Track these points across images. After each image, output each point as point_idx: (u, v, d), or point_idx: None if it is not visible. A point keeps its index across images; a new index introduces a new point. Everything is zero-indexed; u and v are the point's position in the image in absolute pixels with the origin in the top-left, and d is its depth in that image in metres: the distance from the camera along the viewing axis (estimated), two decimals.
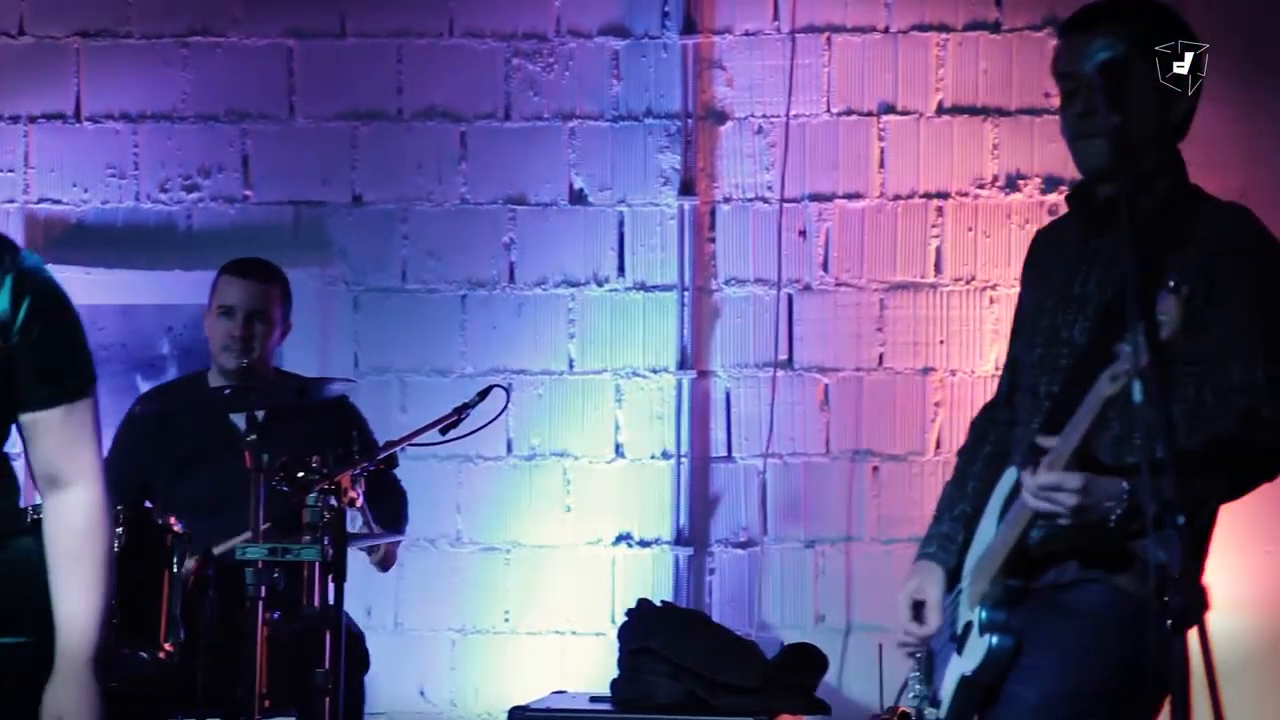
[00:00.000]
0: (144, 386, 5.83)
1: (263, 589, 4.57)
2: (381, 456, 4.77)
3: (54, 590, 3.15)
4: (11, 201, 6.12)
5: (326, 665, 4.53)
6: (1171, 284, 2.85)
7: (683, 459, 5.96)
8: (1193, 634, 2.52)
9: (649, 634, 5.24)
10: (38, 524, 3.22)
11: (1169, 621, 2.49)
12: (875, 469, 5.92)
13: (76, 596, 3.14)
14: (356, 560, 4.87)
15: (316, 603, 4.60)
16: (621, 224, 6.05)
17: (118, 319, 6.01)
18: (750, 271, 6.00)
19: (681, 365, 5.99)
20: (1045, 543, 3.31)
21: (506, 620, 5.98)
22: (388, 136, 6.10)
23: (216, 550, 4.78)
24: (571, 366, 6.03)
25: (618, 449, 6.00)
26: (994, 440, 3.67)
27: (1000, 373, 3.76)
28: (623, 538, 5.98)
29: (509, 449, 6.00)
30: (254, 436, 4.74)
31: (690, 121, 6.02)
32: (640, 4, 6.06)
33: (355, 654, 5.05)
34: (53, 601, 3.14)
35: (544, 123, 6.07)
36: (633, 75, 6.06)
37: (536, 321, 6.04)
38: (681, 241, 6.01)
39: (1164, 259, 3.27)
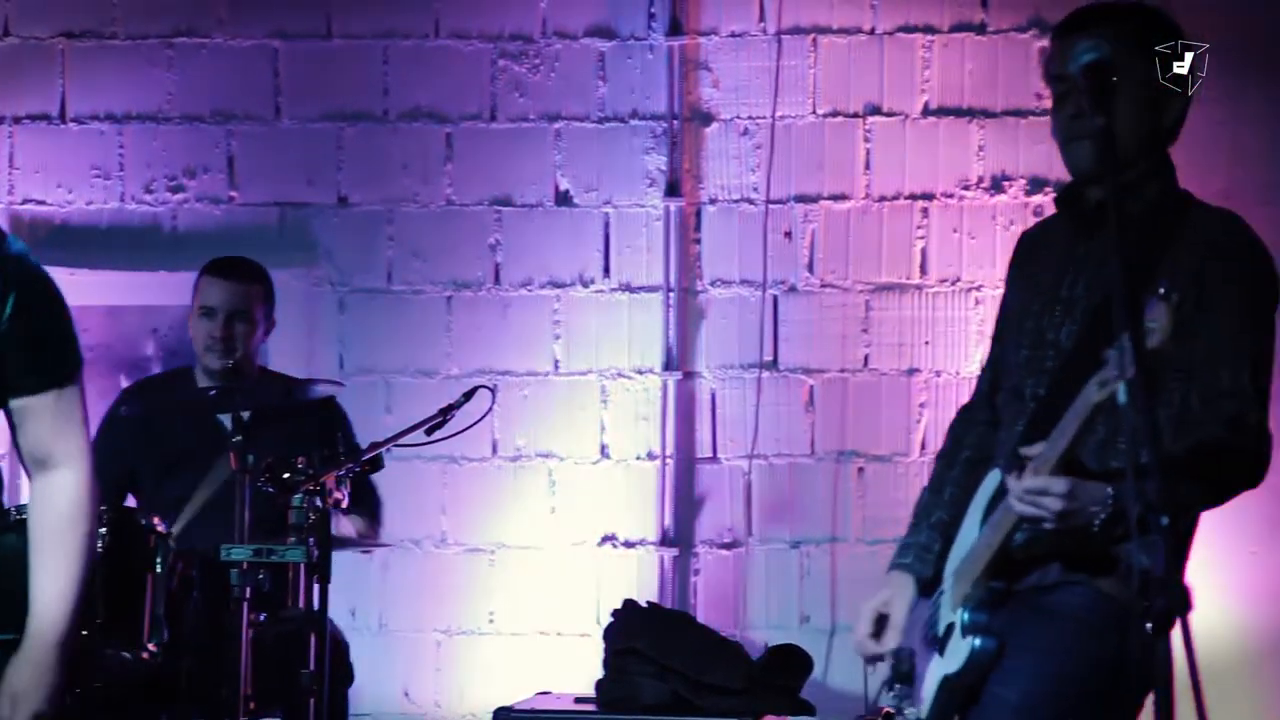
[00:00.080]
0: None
1: (248, 590, 4.57)
2: (367, 457, 4.76)
3: (32, 569, 3.15)
4: None
5: (312, 667, 4.53)
6: (1162, 291, 2.85)
7: (668, 460, 5.97)
8: (1176, 635, 2.52)
9: (634, 635, 5.24)
10: (21, 523, 3.22)
11: (1148, 624, 2.49)
12: (860, 470, 5.93)
13: (53, 578, 3.15)
14: (341, 561, 4.86)
15: (301, 604, 4.60)
16: (607, 225, 6.05)
17: (103, 320, 6.01)
18: (736, 273, 6.00)
19: (667, 366, 6.00)
20: (1028, 545, 3.31)
21: (491, 621, 5.98)
22: (373, 137, 6.09)
23: (176, 528, 4.77)
24: (557, 367, 6.03)
25: (603, 450, 6.00)
26: (971, 444, 3.67)
27: (980, 372, 3.76)
28: (608, 538, 5.98)
29: (494, 450, 6.00)
30: (239, 437, 4.74)
31: (676, 123, 6.02)
32: (626, 5, 6.06)
33: (339, 665, 5.04)
34: (30, 581, 3.14)
35: (530, 124, 6.07)
36: (619, 76, 6.06)
37: (522, 323, 6.04)
38: (667, 243, 6.01)
39: (1153, 263, 3.28)
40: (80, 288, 5.88)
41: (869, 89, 5.99)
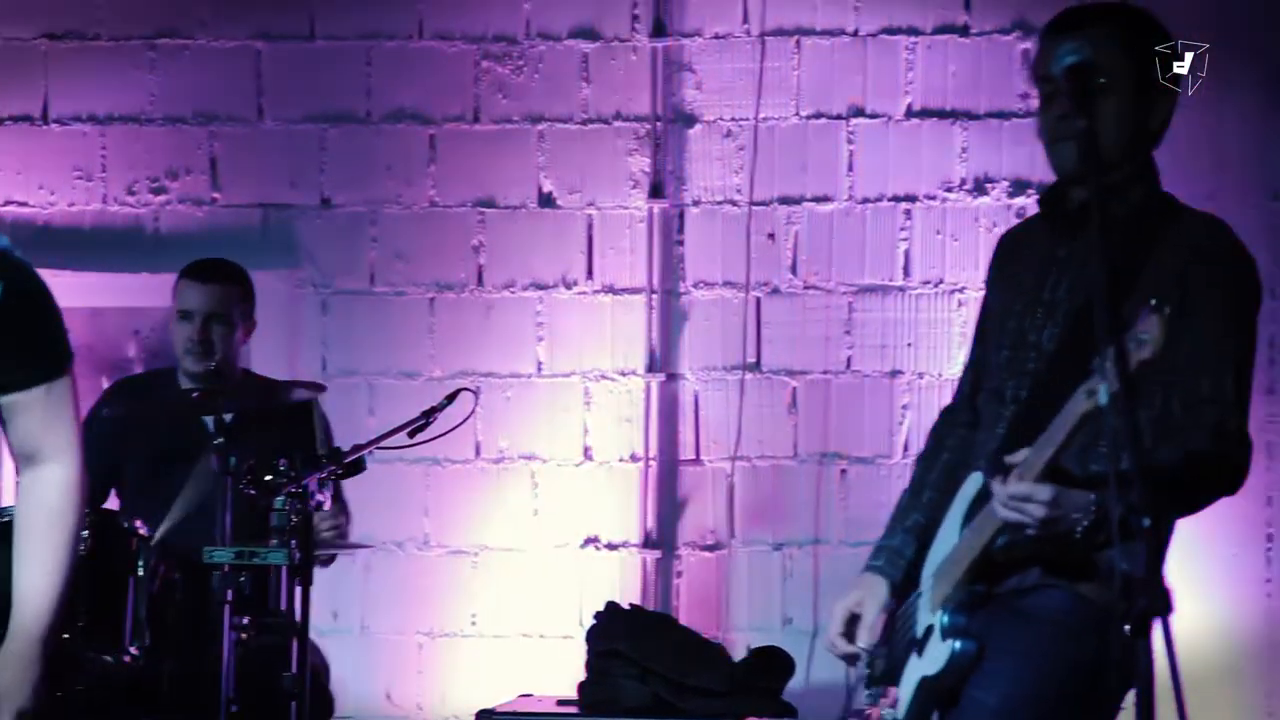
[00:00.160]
0: None
1: (229, 593, 4.56)
2: (349, 460, 4.76)
3: (16, 563, 3.14)
4: None
5: (294, 670, 4.52)
6: (1154, 303, 2.83)
7: (651, 462, 5.97)
8: (1158, 637, 2.52)
9: (616, 637, 5.24)
10: (6, 525, 3.21)
11: (1126, 626, 2.49)
12: (843, 472, 5.93)
13: (39, 572, 3.14)
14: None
15: (284, 606, 4.59)
16: (590, 227, 6.05)
17: (85, 321, 5.99)
18: (719, 274, 6.00)
19: (650, 368, 6.00)
20: (1009, 549, 3.31)
21: (474, 623, 5.98)
22: (356, 139, 6.09)
23: (159, 531, 4.76)
24: (540, 369, 6.03)
25: (586, 452, 6.00)
26: (952, 447, 3.67)
27: (962, 373, 3.76)
28: (590, 541, 5.98)
29: (477, 452, 5.99)
30: (221, 439, 4.73)
31: (659, 124, 6.02)
32: (610, 7, 6.06)
33: (319, 693, 5.00)
34: (13, 574, 3.13)
35: (513, 125, 6.07)
36: (602, 78, 6.06)
37: (505, 324, 6.03)
38: (650, 244, 6.01)
39: (1136, 267, 3.28)
40: (62, 289, 5.78)
41: (852, 90, 5.99)
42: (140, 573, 4.62)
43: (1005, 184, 5.93)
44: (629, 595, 5.79)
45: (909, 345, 5.94)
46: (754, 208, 5.98)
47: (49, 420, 3.17)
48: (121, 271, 6.06)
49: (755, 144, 5.98)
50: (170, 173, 6.10)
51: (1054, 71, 3.01)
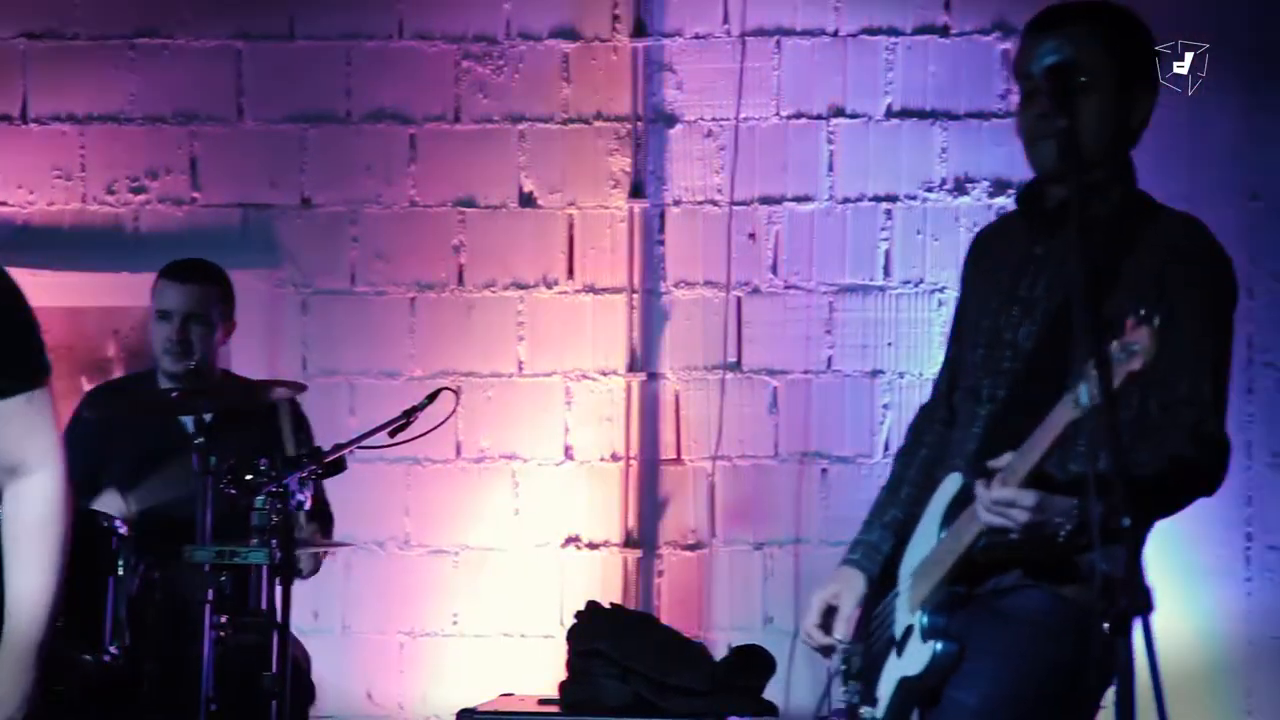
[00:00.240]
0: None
1: (210, 592, 4.55)
2: (330, 459, 4.76)
3: (8, 572, 3.14)
4: None
5: (274, 670, 4.52)
6: (1143, 313, 2.80)
7: (632, 461, 5.97)
8: (1138, 638, 2.52)
9: (597, 636, 5.24)
10: None
11: (1105, 625, 2.50)
12: (824, 471, 5.93)
13: (31, 580, 3.14)
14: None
15: (264, 605, 4.59)
16: (571, 226, 6.05)
17: (64, 321, 5.98)
18: (699, 274, 6.00)
19: (631, 368, 6.00)
20: (989, 550, 3.30)
21: (455, 623, 5.97)
22: (337, 139, 6.08)
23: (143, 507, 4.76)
24: (521, 369, 6.02)
25: (567, 451, 6.00)
26: (929, 444, 3.67)
27: (939, 370, 3.76)
28: (572, 540, 5.98)
29: (458, 452, 5.99)
30: (201, 439, 4.73)
31: (640, 124, 6.02)
32: (590, 7, 6.06)
33: (301, 682, 5.01)
34: (5, 583, 3.13)
35: (494, 125, 6.06)
36: (583, 78, 6.05)
37: (486, 324, 6.03)
38: (631, 244, 6.01)
39: (1115, 266, 3.28)
40: (42, 289, 5.83)
41: (832, 91, 6.00)
42: (120, 572, 4.62)
43: (985, 184, 5.94)
44: (610, 594, 5.79)
45: (889, 345, 5.95)
46: (735, 207, 5.98)
47: (31, 430, 3.17)
48: (101, 271, 6.05)
49: (736, 144, 5.98)
50: (150, 172, 6.09)
51: (1035, 70, 3.02)
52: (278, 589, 4.52)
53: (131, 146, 6.09)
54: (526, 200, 6.05)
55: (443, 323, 6.04)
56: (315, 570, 5.16)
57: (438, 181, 6.06)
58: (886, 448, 5.86)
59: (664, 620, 5.65)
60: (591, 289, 6.03)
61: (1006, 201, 5.79)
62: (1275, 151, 5.83)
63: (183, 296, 5.26)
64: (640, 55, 6.03)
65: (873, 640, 3.55)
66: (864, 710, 3.50)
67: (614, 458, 5.98)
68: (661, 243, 6.02)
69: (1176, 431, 3.24)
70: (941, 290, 5.90)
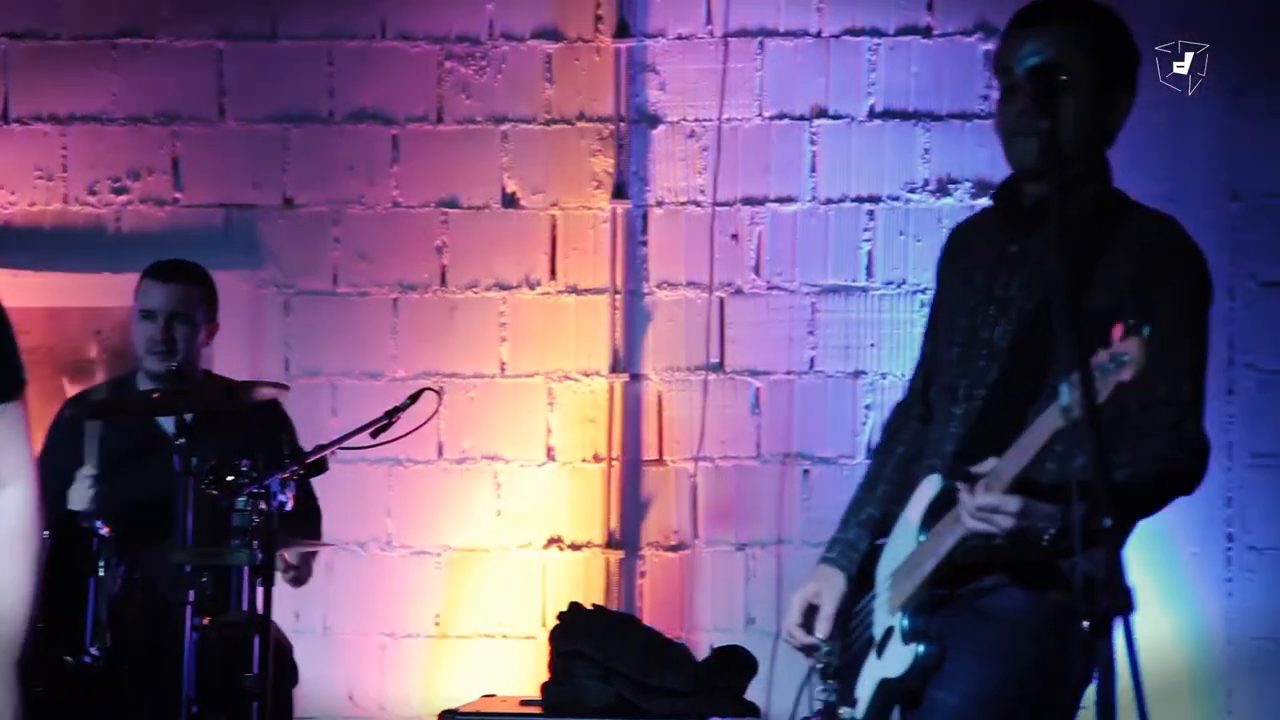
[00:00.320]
0: (71, 390, 5.79)
1: (191, 594, 4.55)
2: (312, 460, 4.75)
3: None
4: None
5: (255, 670, 4.51)
6: (1131, 323, 2.78)
7: (614, 462, 5.97)
8: (1119, 638, 2.52)
9: (580, 637, 5.24)
10: None
11: (1085, 624, 2.50)
12: (806, 472, 5.93)
13: (8, 596, 3.12)
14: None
15: (245, 607, 4.59)
16: (554, 227, 6.04)
17: (45, 322, 5.97)
18: (682, 275, 6.00)
19: (613, 368, 5.99)
20: (970, 552, 3.30)
21: (437, 624, 5.97)
22: (319, 139, 6.07)
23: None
24: (503, 370, 6.02)
25: (549, 452, 5.99)
26: (905, 441, 3.66)
27: (914, 367, 3.75)
28: (554, 541, 5.97)
29: (440, 452, 5.99)
30: (183, 440, 4.72)
31: (623, 125, 6.02)
32: (573, 7, 6.06)
33: (283, 666, 5.02)
34: None
35: (476, 126, 6.06)
36: (565, 78, 6.05)
37: (468, 325, 6.03)
38: (614, 245, 6.01)
39: (1090, 264, 3.28)
40: (23, 289, 5.89)
41: (815, 92, 6.00)
42: (101, 574, 4.61)
43: (968, 185, 5.94)
44: (592, 595, 5.79)
45: (872, 346, 5.95)
46: (717, 208, 5.98)
47: (5, 444, 3.15)
48: (82, 271, 6.04)
49: (719, 145, 5.98)
50: (132, 172, 6.08)
51: (1017, 71, 3.02)
52: (259, 589, 4.52)
53: (113, 146, 6.08)
54: (509, 201, 6.05)
55: (425, 323, 6.03)
56: (305, 578, 5.15)
57: (420, 182, 6.06)
58: (869, 449, 5.86)
59: (646, 621, 5.66)
60: (574, 290, 6.02)
61: (989, 203, 5.79)
62: (1256, 152, 5.84)
63: (167, 296, 5.26)
64: (623, 56, 6.03)
65: (851, 640, 3.54)
66: (843, 710, 3.50)
67: (596, 459, 5.98)
68: (644, 243, 6.02)
69: (1156, 432, 3.23)
70: (924, 291, 5.90)
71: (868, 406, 5.92)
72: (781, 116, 6.01)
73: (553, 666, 5.28)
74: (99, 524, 4.70)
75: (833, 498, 5.80)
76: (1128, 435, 3.24)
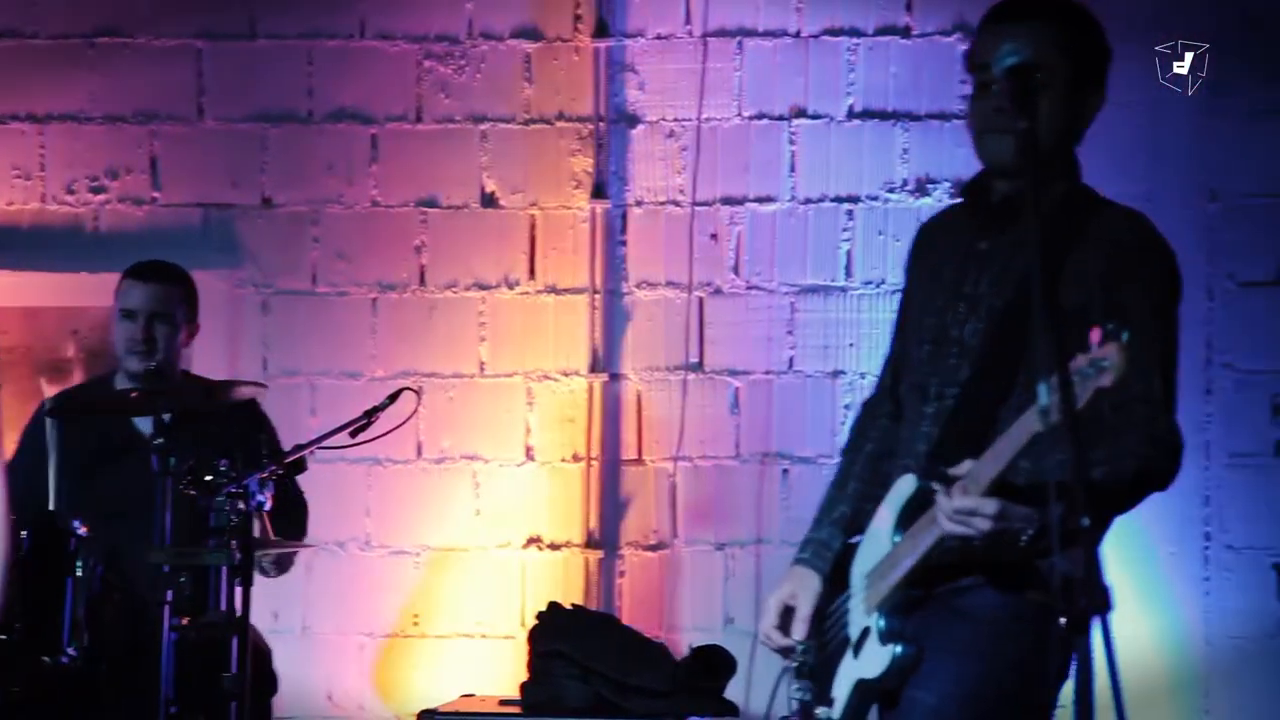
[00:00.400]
0: (49, 390, 5.77)
1: (169, 594, 4.54)
2: (290, 460, 4.75)
3: None
4: None
5: (234, 670, 4.51)
6: (1110, 328, 2.77)
7: (593, 462, 5.96)
8: (1097, 637, 2.53)
9: (559, 637, 5.24)
10: None
11: (1063, 621, 2.50)
12: (785, 472, 5.94)
13: None
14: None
15: (224, 607, 4.58)
16: (533, 227, 6.04)
17: (23, 321, 5.96)
18: (661, 275, 6.00)
19: (592, 368, 5.99)
20: (947, 553, 3.30)
21: (416, 624, 5.97)
22: (298, 138, 6.07)
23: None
24: (482, 369, 6.02)
25: (528, 452, 5.99)
26: (874, 438, 3.65)
27: (883, 364, 3.75)
28: (533, 541, 5.97)
29: (419, 452, 5.98)
30: (161, 440, 4.71)
31: (602, 125, 6.02)
32: (552, 7, 6.05)
33: (262, 673, 5.01)
34: None
35: (455, 125, 6.05)
36: (545, 78, 6.05)
37: (447, 324, 6.02)
38: (593, 244, 6.01)
39: (1060, 262, 3.28)
40: (0, 289, 5.87)
41: (794, 91, 6.00)
42: (78, 573, 4.60)
43: (947, 185, 5.95)
44: (571, 595, 5.79)
45: (851, 345, 5.95)
46: (696, 208, 5.99)
47: None
48: (60, 271, 6.02)
49: (698, 144, 5.98)
50: (110, 172, 6.07)
51: (995, 70, 3.02)
52: (237, 589, 4.51)
53: (91, 146, 6.07)
54: (488, 200, 6.05)
55: (404, 323, 6.03)
56: (288, 566, 5.15)
57: (399, 181, 6.05)
58: None
59: (625, 621, 5.66)
60: (553, 289, 6.02)
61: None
62: (1234, 152, 5.85)
63: (148, 296, 5.26)
64: (602, 56, 6.03)
65: (826, 640, 3.54)
66: (820, 710, 3.49)
67: (575, 458, 5.98)
68: (623, 243, 6.02)
69: (1131, 429, 3.23)
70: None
71: (847, 406, 5.92)
72: (760, 116, 6.01)
73: (532, 666, 5.28)
74: (76, 524, 4.69)
75: (812, 497, 5.72)
76: (1103, 433, 3.23)
